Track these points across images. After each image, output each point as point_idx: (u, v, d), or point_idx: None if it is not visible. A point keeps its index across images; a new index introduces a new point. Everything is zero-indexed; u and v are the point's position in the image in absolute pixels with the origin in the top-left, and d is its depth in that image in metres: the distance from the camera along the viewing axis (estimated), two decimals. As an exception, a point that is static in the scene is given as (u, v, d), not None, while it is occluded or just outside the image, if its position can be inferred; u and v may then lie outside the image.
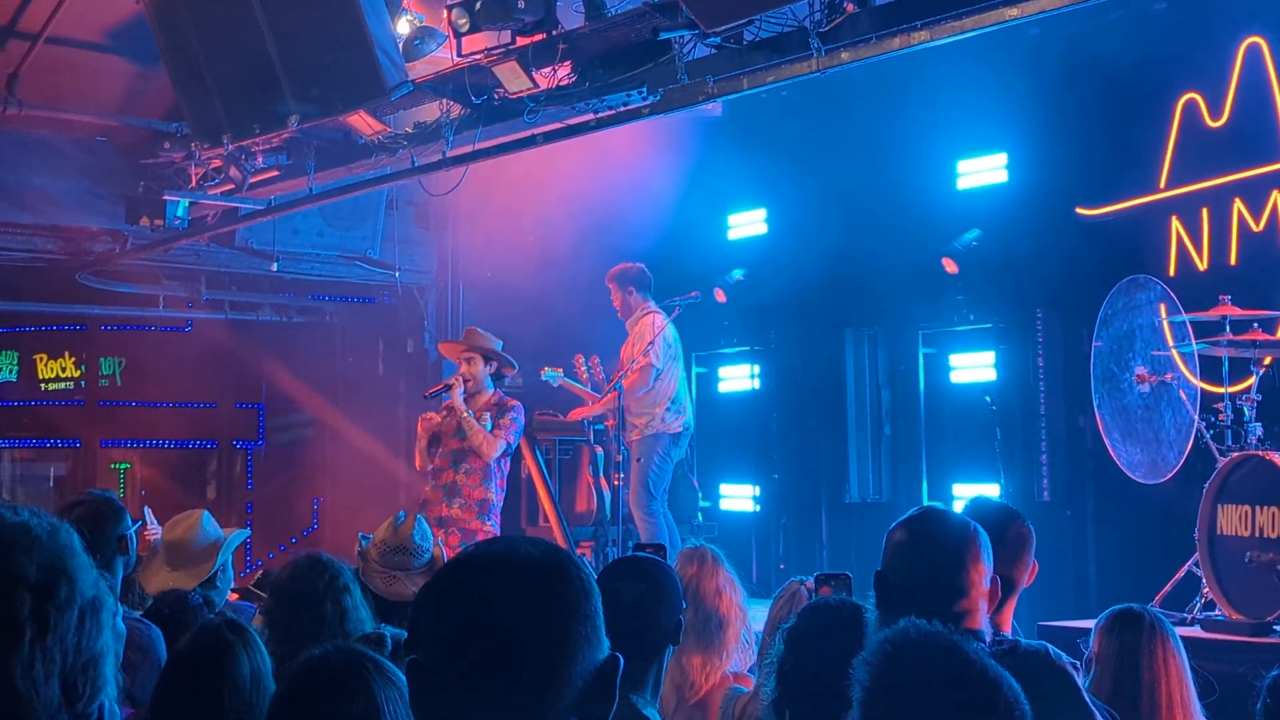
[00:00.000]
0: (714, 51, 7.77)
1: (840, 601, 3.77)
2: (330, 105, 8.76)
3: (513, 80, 8.21)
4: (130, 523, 5.20)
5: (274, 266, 12.65)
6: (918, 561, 3.33)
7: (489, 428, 9.16)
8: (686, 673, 4.58)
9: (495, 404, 9.35)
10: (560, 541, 11.14)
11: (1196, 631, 7.33)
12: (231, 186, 10.49)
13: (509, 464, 9.43)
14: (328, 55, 8.42)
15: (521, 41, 8.09)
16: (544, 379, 11.03)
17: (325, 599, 4.28)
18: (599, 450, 11.49)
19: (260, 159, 10.15)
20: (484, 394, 9.40)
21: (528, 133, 8.89)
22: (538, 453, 11.50)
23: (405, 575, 5.02)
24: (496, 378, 9.56)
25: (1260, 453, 7.36)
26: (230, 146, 9.55)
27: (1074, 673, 3.22)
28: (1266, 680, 3.07)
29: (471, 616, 1.90)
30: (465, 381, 9.33)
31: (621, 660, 1.97)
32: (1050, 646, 3.27)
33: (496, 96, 8.57)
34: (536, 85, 8.20)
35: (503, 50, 8.19)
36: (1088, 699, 3.16)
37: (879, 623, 3.33)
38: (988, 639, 3.29)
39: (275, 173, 10.36)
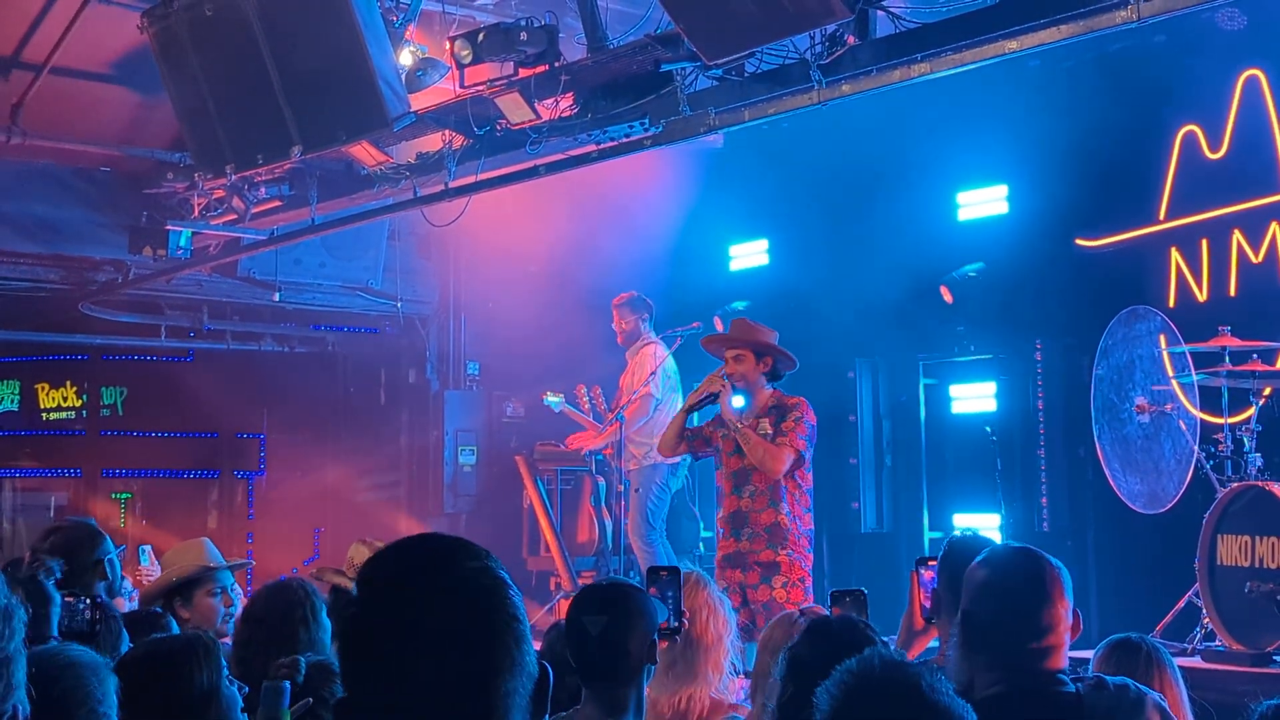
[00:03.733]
0: (715, 83, 7.82)
1: (842, 619, 3.76)
2: (333, 136, 8.79)
3: (515, 111, 8.25)
4: (111, 547, 5.25)
5: (276, 296, 12.68)
6: (1002, 601, 3.31)
7: (770, 437, 7.70)
8: (660, 697, 4.55)
9: (773, 406, 7.82)
10: (562, 572, 11.15)
11: (1197, 662, 7.33)
12: (234, 217, 10.53)
13: (810, 478, 7.85)
14: (331, 86, 8.46)
15: (524, 73, 8.14)
16: (545, 404, 11.05)
17: (296, 625, 4.34)
18: (600, 480, 11.50)
19: (263, 189, 10.20)
20: (760, 396, 7.86)
21: (530, 163, 8.93)
22: (539, 482, 11.51)
23: None
24: (772, 375, 7.97)
25: (1260, 483, 7.37)
26: (233, 177, 9.59)
27: (1164, 702, 3.23)
28: (1260, 708, 3.07)
29: (379, 653, 1.90)
30: (736, 381, 7.85)
31: (550, 670, 1.97)
32: (1130, 680, 3.28)
33: (499, 127, 8.61)
34: (539, 116, 8.25)
35: (505, 81, 8.24)
36: None
37: (959, 660, 3.32)
38: (1069, 675, 3.29)
39: (278, 203, 10.41)
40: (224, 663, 3.56)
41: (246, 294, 13.13)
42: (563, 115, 8.35)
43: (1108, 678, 3.23)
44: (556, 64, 8.03)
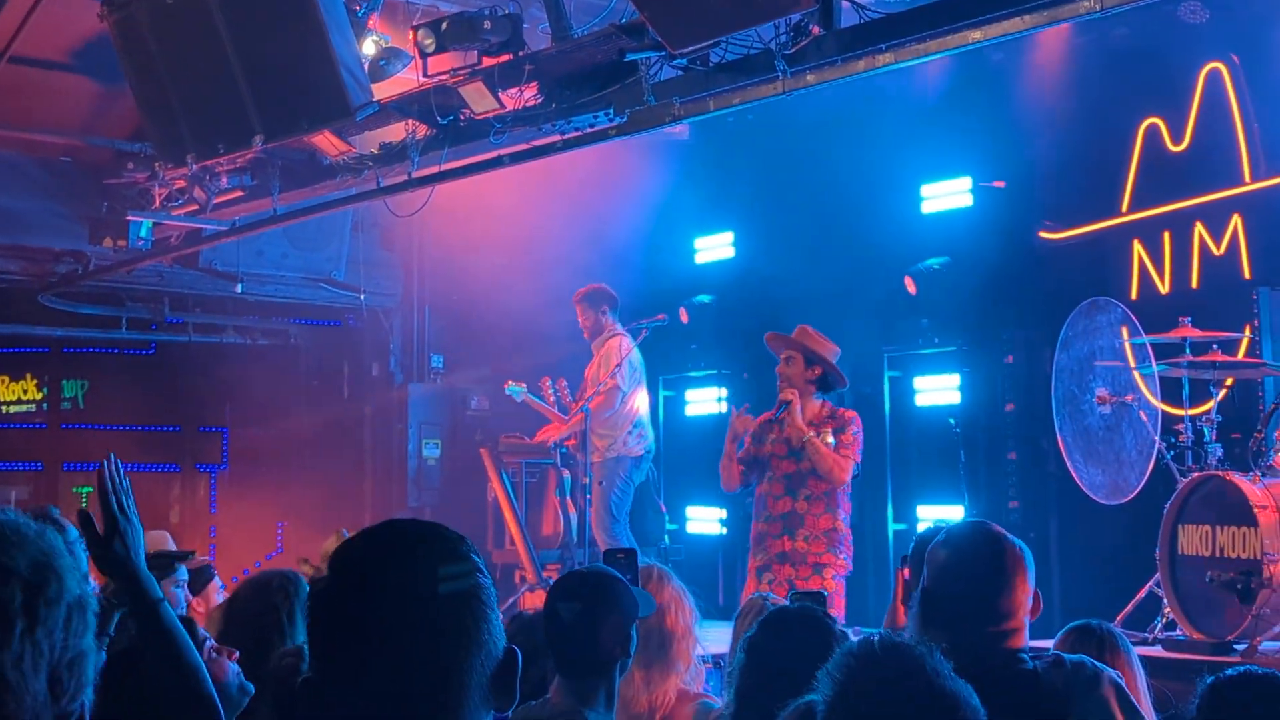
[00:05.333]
0: (680, 73, 7.79)
1: (800, 609, 3.76)
2: (295, 125, 8.74)
3: (479, 101, 8.22)
4: (76, 535, 5.17)
5: (238, 288, 12.60)
6: (962, 582, 3.31)
7: (833, 448, 8.00)
8: (629, 688, 4.55)
9: (828, 416, 8.17)
10: (526, 565, 11.13)
11: (1158, 651, 7.36)
12: (195, 207, 10.45)
13: (852, 486, 8.25)
14: (293, 75, 8.41)
15: (488, 62, 8.10)
16: (507, 393, 11.01)
17: (279, 616, 4.30)
18: (565, 473, 11.47)
19: (224, 179, 10.12)
20: (811, 405, 8.20)
21: (494, 154, 8.88)
22: (504, 475, 11.47)
23: None
24: (822, 386, 8.30)
25: (1220, 473, 7.40)
26: (194, 167, 9.52)
27: (1121, 679, 3.23)
28: (1206, 681, 3.09)
29: (343, 634, 1.90)
30: (780, 381, 8.27)
31: (519, 653, 1.96)
32: (1088, 658, 3.28)
33: (462, 117, 8.57)
34: (503, 106, 8.21)
35: (469, 71, 8.20)
36: (1134, 702, 3.18)
37: (918, 640, 3.32)
38: (1029, 654, 3.29)
39: (239, 193, 10.32)
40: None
41: (208, 286, 13.06)
42: (527, 105, 8.31)
43: (1066, 655, 3.24)
44: (521, 53, 8.00)
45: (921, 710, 2.08)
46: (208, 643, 3.63)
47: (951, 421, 10.03)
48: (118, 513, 3.19)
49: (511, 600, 10.54)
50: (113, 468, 3.25)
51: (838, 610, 4.60)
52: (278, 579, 4.51)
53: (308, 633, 1.97)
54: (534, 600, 10.15)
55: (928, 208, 11.19)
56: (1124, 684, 3.22)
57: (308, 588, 4.57)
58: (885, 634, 2.21)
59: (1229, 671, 3.10)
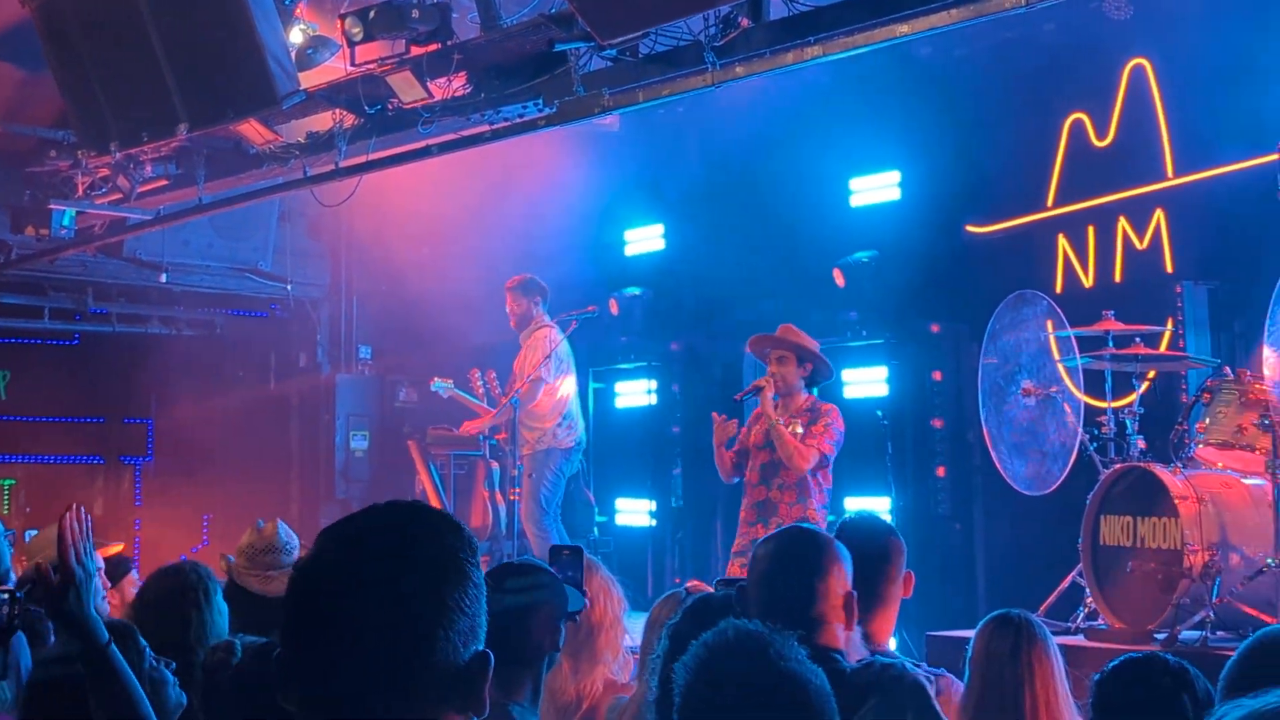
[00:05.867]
0: (610, 64, 7.78)
1: (724, 596, 3.77)
2: (221, 114, 8.65)
3: (407, 90, 8.17)
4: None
5: (163, 278, 12.47)
6: (772, 577, 3.35)
7: (800, 438, 8.20)
8: (557, 679, 4.55)
9: (808, 409, 8.34)
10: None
11: (1080, 640, 7.44)
12: (119, 196, 10.30)
13: (831, 479, 8.41)
14: (218, 63, 8.32)
15: (416, 51, 8.05)
16: (433, 390, 10.96)
17: (188, 608, 4.26)
18: (495, 465, 11.44)
19: (149, 168, 9.98)
20: (797, 398, 8.37)
21: (422, 143, 8.84)
22: (432, 467, 11.43)
23: (279, 573, 4.98)
24: (810, 381, 8.49)
25: (1142, 464, 7.49)
26: (118, 155, 9.40)
27: (928, 685, 3.26)
28: (1097, 676, 3.15)
29: (319, 605, 1.87)
30: (775, 382, 8.38)
31: (492, 657, 1.93)
32: (907, 661, 3.32)
33: (390, 107, 8.51)
34: (431, 96, 8.16)
35: (397, 60, 8.14)
36: (938, 709, 3.21)
37: (772, 628, 3.33)
38: (844, 653, 3.30)
39: (164, 182, 10.21)
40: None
41: (133, 275, 12.90)
42: (455, 95, 8.26)
43: (880, 658, 3.28)
44: (449, 42, 7.95)
45: (769, 695, 2.08)
46: (147, 653, 3.61)
47: (879, 414, 10.09)
48: (75, 564, 3.20)
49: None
50: (75, 517, 3.24)
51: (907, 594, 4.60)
52: (189, 570, 4.47)
53: (284, 610, 1.93)
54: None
55: (856, 201, 11.27)
56: (930, 692, 3.24)
57: (218, 582, 4.54)
58: (740, 623, 2.21)
59: (1112, 662, 3.15)
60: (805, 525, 3.50)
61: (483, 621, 1.94)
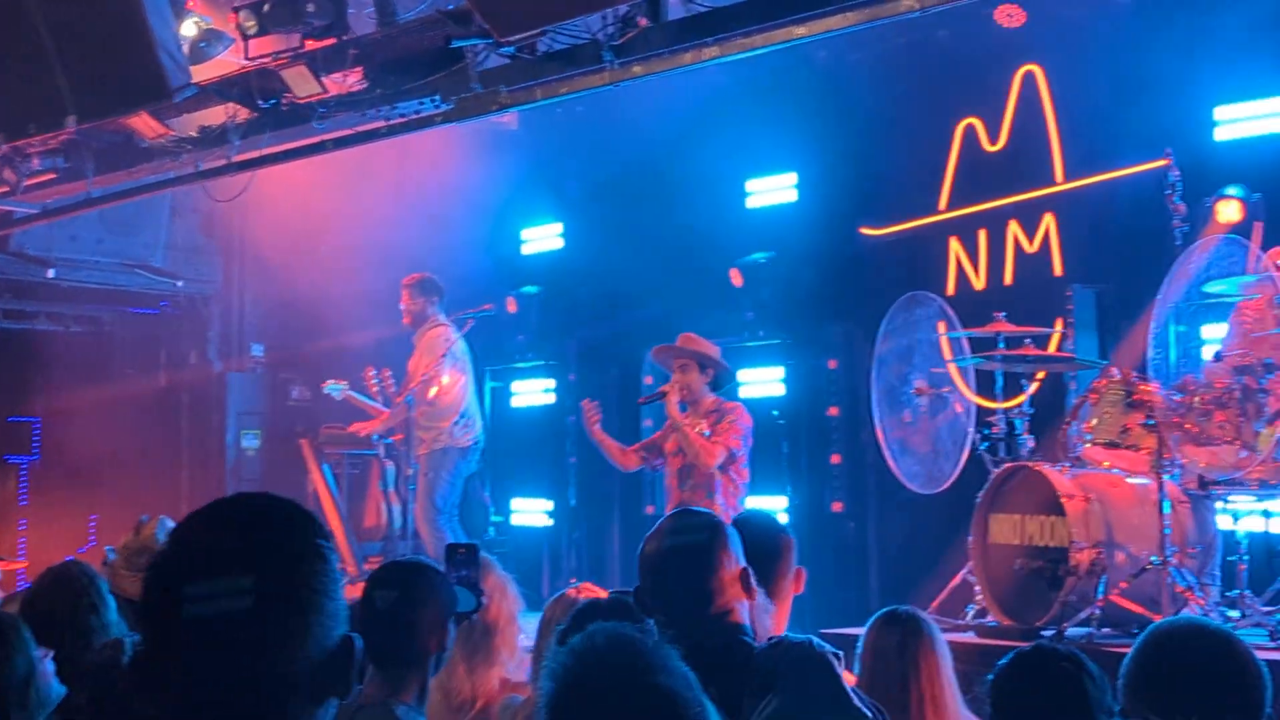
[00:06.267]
0: (508, 61, 7.76)
1: (612, 600, 3.76)
2: (111, 106, 8.51)
3: (301, 85, 8.08)
4: None
5: (50, 273, 12.24)
6: (667, 573, 3.32)
7: (707, 436, 8.47)
8: (452, 679, 4.52)
9: (714, 410, 8.61)
10: (347, 558, 10.99)
11: (970, 637, 7.53)
12: (5, 189, 10.08)
13: (747, 475, 8.62)
14: (108, 55, 8.18)
15: (311, 45, 7.98)
16: (326, 392, 10.85)
17: (75, 613, 4.19)
18: (389, 464, 11.35)
19: (36, 161, 9.77)
20: (703, 401, 8.63)
21: (317, 139, 8.76)
22: (325, 467, 11.32)
23: None
24: (713, 385, 8.75)
25: (1030, 464, 7.60)
26: (3, 147, 9.21)
27: (836, 662, 3.27)
28: (991, 675, 3.19)
29: (176, 599, 1.85)
30: (680, 390, 8.61)
31: (358, 640, 1.92)
32: (814, 638, 3.33)
33: (285, 101, 8.42)
34: (326, 90, 8.09)
35: (291, 54, 8.07)
36: (848, 687, 3.22)
37: (643, 631, 3.31)
38: (750, 628, 3.31)
39: (52, 175, 9.99)
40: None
41: (19, 270, 12.64)
42: (351, 90, 8.21)
43: (791, 635, 3.29)
44: (345, 37, 7.90)
45: (637, 702, 2.07)
46: (30, 645, 3.54)
47: (775, 414, 10.15)
48: None
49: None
50: None
51: (799, 589, 4.61)
52: (76, 573, 4.39)
53: (140, 609, 1.91)
54: (355, 593, 10.01)
55: (753, 203, 11.34)
56: (839, 667, 3.27)
57: (104, 581, 4.46)
58: (610, 627, 2.20)
59: (1005, 659, 3.19)
60: (686, 515, 3.44)
61: (344, 605, 1.92)
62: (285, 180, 10.42)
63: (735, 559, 3.34)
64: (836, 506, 10.41)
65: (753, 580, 3.35)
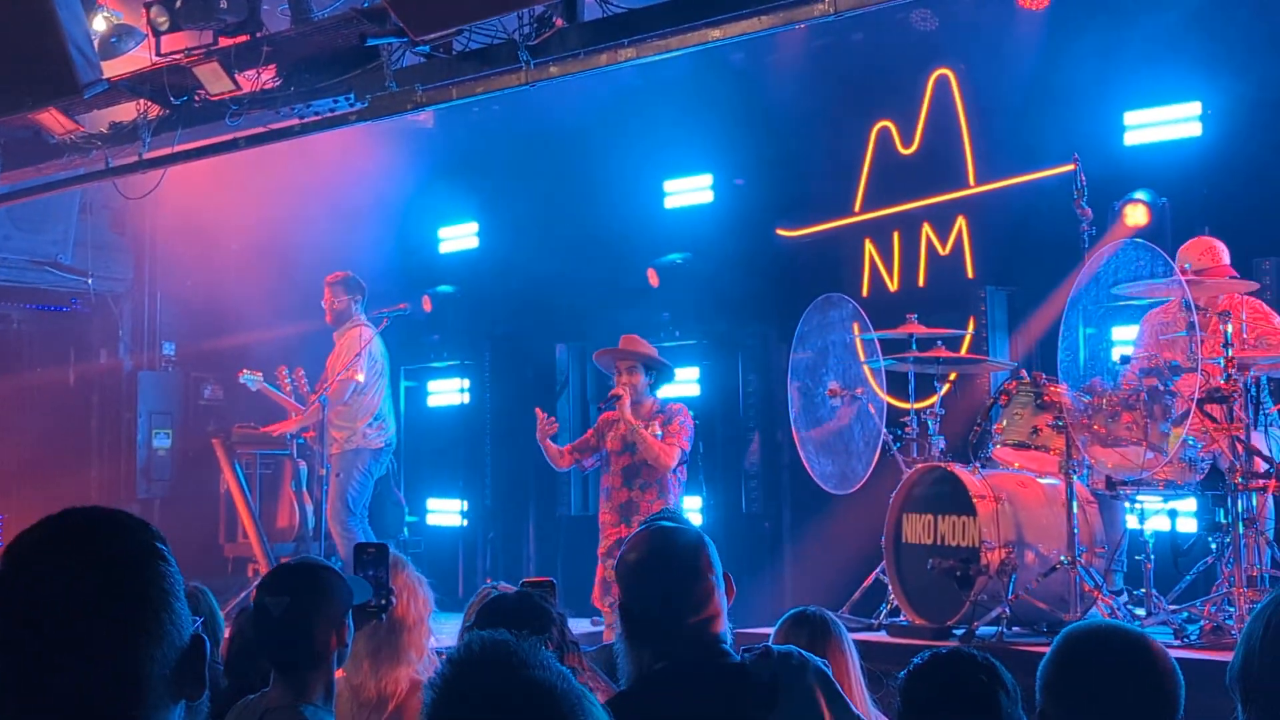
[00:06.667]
0: (423, 60, 7.74)
1: (517, 596, 3.75)
2: (18, 101, 8.38)
3: (214, 82, 8.01)
4: None
5: (-45, 270, 12.03)
6: (655, 583, 3.28)
7: (659, 437, 8.59)
8: (358, 677, 4.50)
9: (659, 411, 8.74)
10: (260, 558, 10.89)
11: (882, 636, 7.60)
12: (-90, 184, 9.94)
13: (685, 473, 8.81)
14: (16, 49, 8.04)
15: (224, 42, 7.92)
16: (242, 382, 10.74)
17: None
18: (302, 464, 11.26)
19: (-58, 156, 9.64)
20: (646, 402, 8.76)
21: (230, 136, 8.68)
22: (237, 467, 11.21)
23: None
24: (655, 387, 8.90)
25: (942, 464, 7.68)
26: (-92, 142, 9.06)
27: (827, 667, 3.28)
28: (902, 674, 3.21)
29: (19, 613, 1.82)
30: (629, 391, 8.70)
31: (207, 640, 1.91)
32: (795, 647, 3.33)
33: (197, 98, 8.34)
34: (239, 88, 8.03)
35: (204, 51, 8.00)
36: (839, 690, 3.23)
37: (626, 651, 3.27)
38: (729, 641, 3.29)
39: (-42, 171, 9.86)
40: None
41: (-77, 267, 12.42)
42: (264, 87, 8.14)
43: (775, 646, 3.28)
44: (258, 34, 7.84)
45: (513, 699, 2.07)
46: None
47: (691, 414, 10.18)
48: None
49: (244, 594, 10.29)
50: None
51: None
52: None
53: None
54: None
55: (670, 203, 11.37)
56: (830, 673, 3.27)
57: None
58: (486, 634, 2.19)
59: (918, 658, 3.22)
60: (666, 525, 3.40)
61: (182, 608, 1.92)
62: (197, 177, 10.31)
63: (716, 569, 3.32)
64: (752, 504, 10.46)
65: (733, 585, 3.33)
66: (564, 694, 2.09)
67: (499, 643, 2.14)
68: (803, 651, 3.23)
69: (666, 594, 3.23)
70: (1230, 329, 6.72)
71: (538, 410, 8.97)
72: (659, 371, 8.85)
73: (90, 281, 12.68)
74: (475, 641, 2.11)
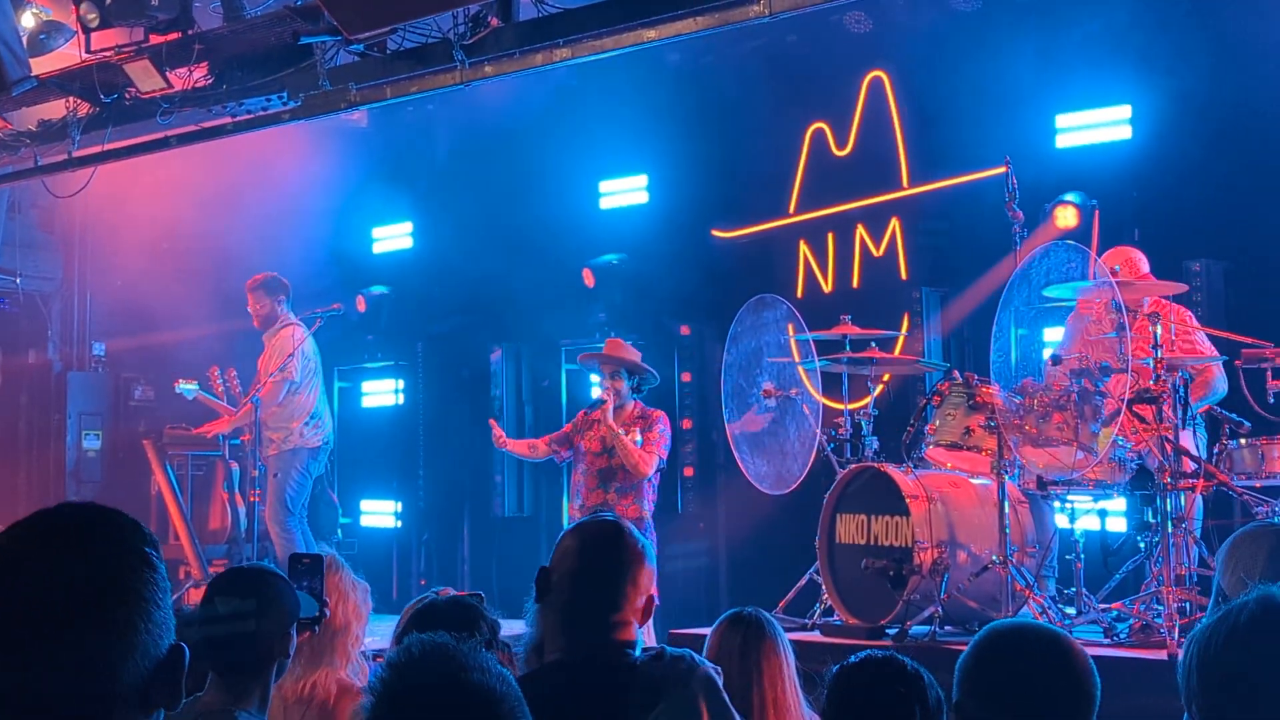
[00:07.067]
0: (357, 59, 7.71)
1: (449, 600, 3.74)
2: (-56, 98, 8.27)
3: (145, 80, 7.94)
4: None
5: (-119, 269, 11.84)
6: (582, 568, 3.31)
7: (639, 444, 8.57)
8: (287, 678, 4.46)
9: (639, 416, 8.72)
10: (192, 561, 10.79)
11: (816, 636, 7.62)
12: None
13: (660, 478, 8.81)
14: (-58, 45, 7.95)
15: (155, 40, 7.86)
16: (178, 392, 10.64)
17: None
18: (234, 465, 11.17)
19: None
20: (628, 407, 8.73)
21: (161, 134, 8.61)
22: (168, 468, 11.10)
23: None
24: (636, 390, 8.86)
25: (876, 464, 7.72)
26: None
27: (717, 676, 3.30)
28: (832, 670, 3.23)
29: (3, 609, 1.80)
30: (613, 396, 8.69)
31: (186, 650, 1.89)
32: (693, 652, 3.36)
33: (128, 96, 8.27)
34: (171, 86, 7.97)
35: (135, 48, 7.93)
36: (728, 700, 3.25)
37: (536, 614, 3.31)
38: (638, 649, 3.31)
39: (-117, 168, 9.71)
40: None
41: None
42: (196, 85, 8.09)
43: (669, 649, 3.32)
44: (190, 31, 7.78)
45: (452, 700, 2.08)
46: None
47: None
48: None
49: (176, 596, 10.20)
50: None
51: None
52: None
53: None
54: (198, 596, 9.84)
55: (606, 204, 11.37)
56: (719, 681, 3.30)
57: None
58: (426, 637, 2.20)
59: (853, 658, 3.23)
60: (613, 520, 3.44)
61: (172, 614, 1.89)
62: (128, 176, 10.20)
63: (651, 581, 3.35)
64: (686, 507, 10.48)
65: (652, 608, 3.36)
66: (503, 696, 2.09)
67: (438, 645, 2.14)
68: (695, 656, 3.26)
69: (584, 583, 3.27)
70: (1159, 331, 6.79)
71: (491, 421, 9.08)
72: (642, 377, 8.84)
73: (19, 281, 12.52)
74: (415, 644, 2.10)
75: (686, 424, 10.50)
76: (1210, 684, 2.31)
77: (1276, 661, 2.30)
